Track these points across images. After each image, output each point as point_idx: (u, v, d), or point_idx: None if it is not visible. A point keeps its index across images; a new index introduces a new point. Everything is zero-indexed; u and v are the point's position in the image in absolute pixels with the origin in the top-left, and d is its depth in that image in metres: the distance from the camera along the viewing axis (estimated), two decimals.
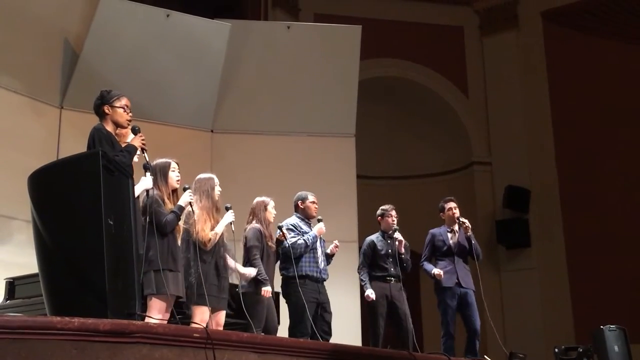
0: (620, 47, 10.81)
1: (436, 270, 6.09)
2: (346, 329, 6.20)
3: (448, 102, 11.75)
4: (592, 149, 10.76)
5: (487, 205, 11.14)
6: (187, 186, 4.68)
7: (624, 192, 10.40)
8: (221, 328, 4.77)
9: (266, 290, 5.21)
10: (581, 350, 6.38)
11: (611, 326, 6.53)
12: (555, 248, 10.77)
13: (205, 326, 3.67)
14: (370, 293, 5.97)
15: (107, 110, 3.98)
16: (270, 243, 5.43)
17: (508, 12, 11.81)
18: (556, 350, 6.57)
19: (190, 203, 4.56)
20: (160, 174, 4.53)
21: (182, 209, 4.49)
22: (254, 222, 5.47)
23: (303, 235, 5.60)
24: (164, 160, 4.60)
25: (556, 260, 10.71)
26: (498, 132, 11.50)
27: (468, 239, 6.19)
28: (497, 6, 11.87)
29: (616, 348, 6.40)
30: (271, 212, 5.50)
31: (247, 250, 5.36)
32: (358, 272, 6.23)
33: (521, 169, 11.18)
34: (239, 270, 5.20)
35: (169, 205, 4.50)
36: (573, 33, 11.24)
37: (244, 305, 4.90)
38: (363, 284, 6.11)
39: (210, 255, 4.80)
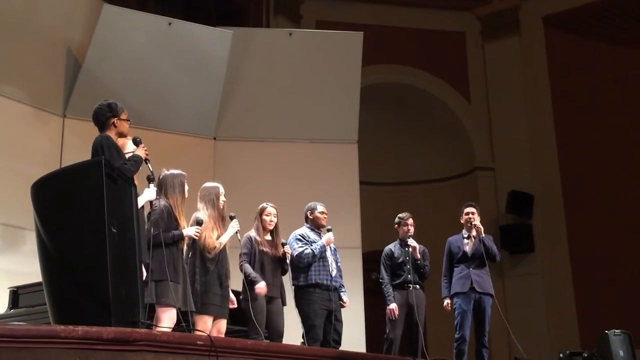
0: (623, 51, 10.79)
1: (445, 301, 6.14)
2: (350, 335, 6.17)
3: (450, 108, 11.74)
4: (596, 153, 10.74)
5: (490, 210, 11.09)
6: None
7: (628, 197, 10.37)
8: (222, 336, 4.77)
9: (260, 287, 5.10)
10: (586, 355, 6.35)
11: (616, 331, 6.49)
12: (559, 253, 10.73)
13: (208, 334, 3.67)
14: (395, 308, 5.98)
15: (116, 123, 4.11)
16: (265, 249, 5.34)
17: (509, 18, 11.82)
18: (561, 355, 6.54)
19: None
20: (179, 184, 4.58)
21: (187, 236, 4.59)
22: (252, 228, 5.47)
23: (311, 245, 5.61)
24: (179, 171, 4.67)
25: (560, 265, 10.67)
26: (501, 137, 11.48)
27: (482, 241, 6.16)
28: (498, 12, 11.87)
29: (621, 353, 6.36)
30: (266, 220, 5.39)
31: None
32: (381, 284, 6.17)
33: (524, 174, 11.16)
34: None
35: (180, 216, 4.54)
36: (575, 38, 11.23)
37: (251, 313, 4.93)
38: (387, 296, 6.07)
39: (213, 264, 4.81)
